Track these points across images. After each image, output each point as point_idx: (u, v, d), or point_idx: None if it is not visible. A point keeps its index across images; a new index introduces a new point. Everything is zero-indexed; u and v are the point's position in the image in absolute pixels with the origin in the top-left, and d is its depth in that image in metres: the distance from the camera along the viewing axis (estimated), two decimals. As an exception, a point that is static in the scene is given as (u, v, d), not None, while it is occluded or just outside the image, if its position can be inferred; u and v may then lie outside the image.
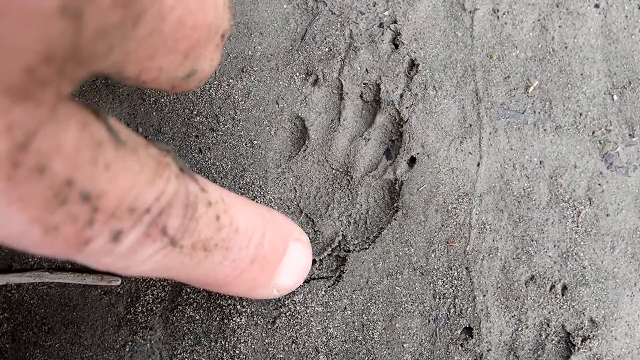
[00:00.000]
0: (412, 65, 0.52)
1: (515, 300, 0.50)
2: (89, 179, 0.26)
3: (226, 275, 0.37)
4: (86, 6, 0.22)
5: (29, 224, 0.25)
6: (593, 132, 0.52)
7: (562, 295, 0.50)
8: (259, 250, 0.38)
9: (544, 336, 0.49)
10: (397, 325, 0.49)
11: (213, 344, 0.49)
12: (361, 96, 0.53)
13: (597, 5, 0.54)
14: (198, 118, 0.51)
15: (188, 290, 0.49)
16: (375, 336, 0.49)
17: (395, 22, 0.53)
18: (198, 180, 0.34)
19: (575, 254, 0.50)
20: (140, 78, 0.34)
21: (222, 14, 0.36)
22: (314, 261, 0.50)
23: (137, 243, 0.29)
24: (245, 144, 0.51)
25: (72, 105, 0.25)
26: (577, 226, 0.50)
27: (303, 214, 0.51)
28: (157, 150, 0.31)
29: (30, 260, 0.50)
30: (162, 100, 0.52)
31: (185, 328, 0.49)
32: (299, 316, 0.49)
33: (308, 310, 0.49)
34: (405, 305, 0.49)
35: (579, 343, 0.49)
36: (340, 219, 0.51)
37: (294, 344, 0.49)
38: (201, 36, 0.34)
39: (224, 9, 0.36)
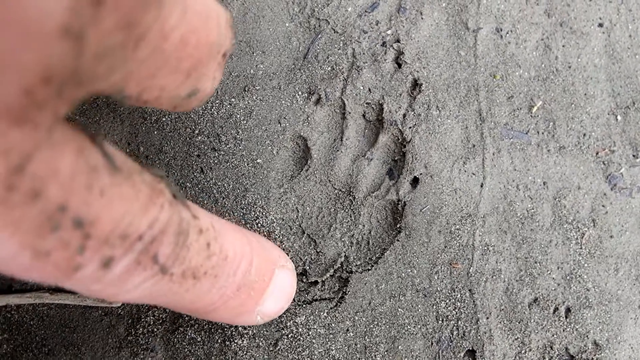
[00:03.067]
0: (415, 84, 0.52)
1: (519, 323, 0.49)
2: (83, 205, 0.25)
3: (213, 303, 0.38)
4: (89, 28, 0.21)
5: (19, 249, 0.25)
6: (597, 153, 0.52)
7: (566, 317, 0.49)
8: (246, 277, 0.39)
9: (547, 359, 0.49)
10: (399, 347, 0.49)
11: (214, 366, 0.48)
12: (364, 116, 0.52)
13: (600, 25, 0.53)
14: (200, 137, 0.51)
15: (189, 311, 0.49)
16: (378, 358, 0.49)
17: (398, 41, 0.52)
18: (190, 207, 0.34)
19: (579, 276, 0.50)
20: (141, 97, 0.33)
21: (224, 33, 0.35)
22: (315, 282, 0.50)
23: (127, 271, 0.29)
24: (247, 164, 0.51)
25: (68, 129, 0.25)
26: (581, 248, 0.50)
27: (305, 235, 0.51)
28: (151, 176, 0.31)
29: (31, 281, 0.50)
30: (164, 119, 0.51)
31: (186, 350, 0.49)
32: (301, 338, 0.49)
33: (310, 332, 0.49)
34: (408, 327, 0.49)
35: (583, 366, 0.49)
36: (343, 239, 0.51)
37: (295, 367, 0.48)
38: (203, 55, 0.34)
39: (225, 27, 0.35)
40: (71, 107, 0.24)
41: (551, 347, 0.49)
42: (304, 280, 0.50)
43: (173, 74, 0.33)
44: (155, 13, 0.26)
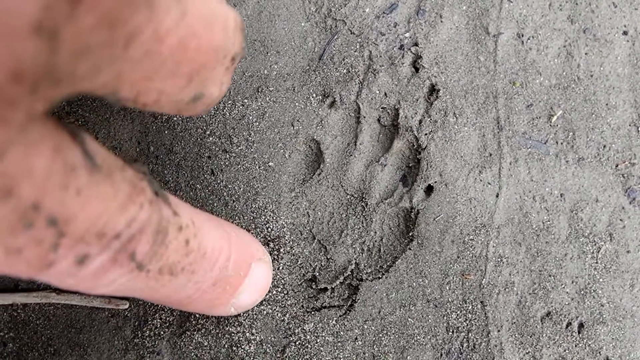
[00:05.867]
0: (433, 90, 0.51)
1: (530, 337, 0.48)
2: (58, 204, 0.25)
3: (188, 296, 0.38)
4: (64, 26, 0.21)
5: None
6: (616, 165, 0.50)
7: (579, 333, 0.49)
8: (223, 272, 0.39)
9: (558, 374, 0.48)
10: (408, 357, 0.48)
11: (221, 371, 0.48)
12: (379, 120, 0.51)
13: (625, 33, 0.52)
14: (211, 138, 0.50)
15: (197, 315, 0.48)
16: (386, 368, 0.48)
17: (416, 44, 0.51)
18: (171, 203, 0.33)
19: (594, 290, 0.49)
20: (139, 100, 0.32)
21: (233, 37, 0.34)
22: (325, 289, 0.49)
23: (103, 267, 0.29)
24: (259, 167, 0.50)
25: (46, 125, 0.24)
26: (597, 262, 0.49)
27: (316, 240, 0.50)
28: (133, 173, 0.30)
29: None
30: (175, 119, 0.50)
31: (192, 354, 0.48)
32: (309, 345, 0.48)
33: (318, 340, 0.48)
34: (418, 337, 0.48)
35: (594, 383, 0.48)
36: (354, 246, 0.50)
37: (303, 374, 0.48)
38: (208, 60, 0.32)
39: (234, 31, 0.34)
40: (51, 106, 0.23)
41: (563, 363, 0.48)
42: (313, 287, 0.49)
43: (172, 78, 0.31)
44: (146, 14, 0.25)
